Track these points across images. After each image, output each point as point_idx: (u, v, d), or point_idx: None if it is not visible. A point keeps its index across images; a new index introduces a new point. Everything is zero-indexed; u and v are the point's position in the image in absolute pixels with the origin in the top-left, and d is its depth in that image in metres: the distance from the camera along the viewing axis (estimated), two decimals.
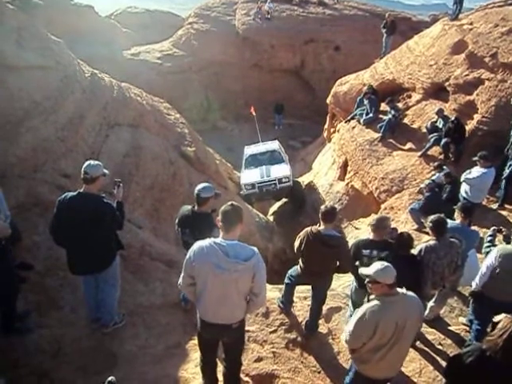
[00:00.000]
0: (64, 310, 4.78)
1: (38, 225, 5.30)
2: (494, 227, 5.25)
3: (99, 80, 8.40)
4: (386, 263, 3.32)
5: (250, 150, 15.03)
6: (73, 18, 23.20)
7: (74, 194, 4.14)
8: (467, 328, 5.23)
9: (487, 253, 4.82)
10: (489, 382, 2.99)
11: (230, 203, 3.29)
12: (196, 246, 3.24)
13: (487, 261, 4.52)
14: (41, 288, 4.84)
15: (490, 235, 5.09)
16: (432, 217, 4.68)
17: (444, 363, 4.80)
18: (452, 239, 4.62)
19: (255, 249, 3.25)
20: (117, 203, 4.41)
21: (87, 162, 4.20)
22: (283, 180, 13.15)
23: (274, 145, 15.26)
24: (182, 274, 3.33)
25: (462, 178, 7.72)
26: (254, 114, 17.25)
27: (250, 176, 13.45)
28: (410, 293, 3.44)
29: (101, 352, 4.39)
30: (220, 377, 3.85)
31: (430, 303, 5.25)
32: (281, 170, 13.54)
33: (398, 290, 3.34)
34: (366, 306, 3.36)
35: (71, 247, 4.23)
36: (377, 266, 3.32)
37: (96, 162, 4.26)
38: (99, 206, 4.15)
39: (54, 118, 6.44)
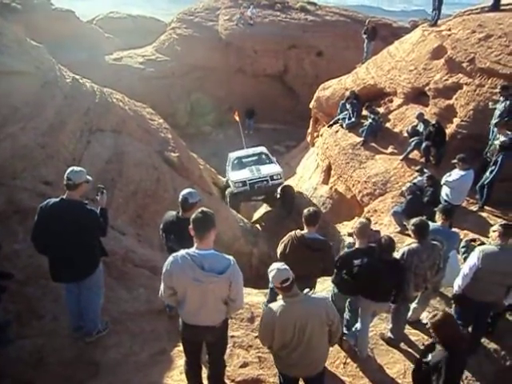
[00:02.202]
0: (45, 319, 4.69)
1: (18, 232, 5.20)
2: (466, 238, 5.38)
3: (81, 85, 8.31)
4: (280, 265, 3.35)
5: (235, 153, 14.88)
6: (53, 23, 23.00)
7: (57, 200, 4.08)
8: None
9: (465, 258, 4.90)
10: None
11: (199, 210, 3.27)
12: (170, 258, 3.24)
13: (469, 262, 4.59)
14: (21, 297, 4.74)
15: (463, 247, 5.18)
16: (414, 220, 4.75)
17: None
18: (434, 241, 4.70)
19: (231, 258, 3.25)
20: (100, 210, 4.37)
21: (70, 168, 4.16)
22: (275, 177, 13.09)
23: (261, 148, 15.26)
24: (162, 287, 3.34)
25: (443, 181, 7.86)
26: (237, 119, 17.27)
27: (240, 174, 13.29)
28: (318, 295, 3.54)
29: (84, 361, 4.33)
30: (205, 382, 3.83)
31: (413, 305, 5.32)
32: (272, 168, 13.53)
33: (304, 291, 3.38)
34: (268, 307, 3.46)
35: (53, 255, 4.16)
36: (272, 266, 3.37)
37: (79, 168, 4.22)
38: (82, 213, 4.11)
39: (33, 124, 6.34)
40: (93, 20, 31.21)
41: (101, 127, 7.99)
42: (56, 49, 15.80)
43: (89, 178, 4.25)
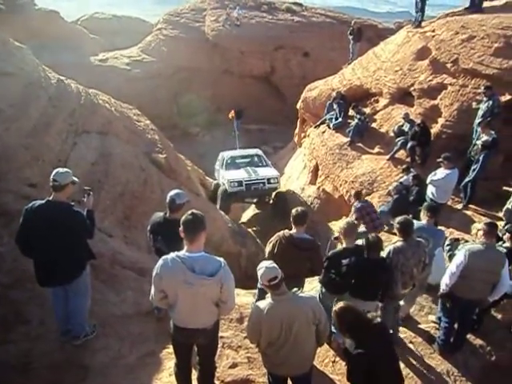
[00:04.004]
0: (32, 323, 4.61)
1: (3, 235, 5.11)
2: (451, 237, 5.46)
3: (66, 86, 8.22)
4: (269, 264, 3.38)
5: (229, 153, 14.64)
6: (37, 23, 22.77)
7: (42, 202, 4.03)
8: (436, 325, 5.38)
9: (450, 256, 4.98)
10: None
11: (190, 212, 3.25)
12: (161, 261, 3.22)
13: (456, 260, 4.67)
14: (6, 301, 4.66)
15: (448, 245, 5.27)
16: (399, 218, 4.81)
17: (415, 361, 4.93)
18: (419, 239, 4.76)
19: (222, 260, 3.25)
20: (87, 212, 4.32)
21: (56, 170, 4.12)
22: (271, 181, 12.95)
23: (256, 150, 15.14)
24: (153, 290, 3.31)
25: (428, 180, 7.96)
26: (232, 117, 17.18)
27: (236, 174, 13.07)
28: (306, 294, 3.58)
29: (72, 365, 4.27)
30: (194, 383, 3.82)
31: (401, 302, 5.37)
32: (269, 172, 13.41)
33: (293, 290, 3.43)
34: (256, 304, 3.50)
35: (39, 258, 4.10)
36: (260, 264, 3.41)
37: (65, 170, 4.18)
38: (69, 215, 4.06)
39: (17, 125, 6.25)
40: (77, 20, 30.93)
41: (87, 129, 7.90)
42: (40, 50, 15.63)
43: (75, 179, 4.21)
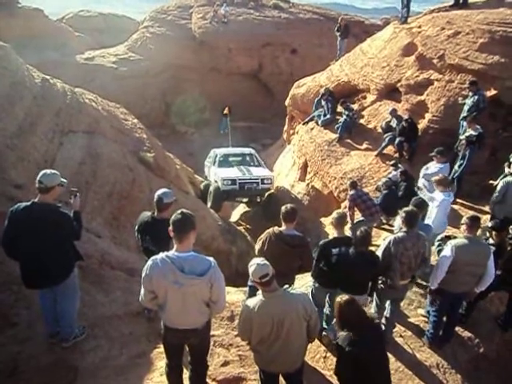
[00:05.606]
0: (19, 326, 4.55)
1: None
2: (443, 235, 5.52)
3: (51, 86, 8.12)
4: (260, 261, 3.39)
5: (222, 150, 14.47)
6: (21, 21, 22.37)
7: (28, 203, 3.97)
8: (426, 319, 5.44)
9: (439, 252, 5.03)
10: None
11: (179, 211, 3.23)
12: (150, 262, 3.21)
13: (444, 256, 4.72)
14: None
15: (438, 240, 5.31)
16: (406, 208, 4.85)
17: (405, 355, 4.97)
18: (420, 232, 4.80)
19: (212, 260, 3.25)
20: (74, 213, 4.27)
21: (43, 172, 4.04)
22: (265, 181, 12.74)
23: (250, 149, 15.04)
24: (143, 291, 3.30)
25: (421, 174, 7.97)
26: (227, 113, 17.01)
27: (229, 172, 12.89)
28: (297, 290, 3.59)
29: (61, 367, 4.22)
30: (186, 382, 3.81)
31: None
32: (263, 172, 13.28)
33: (284, 287, 3.43)
34: (247, 301, 3.51)
35: (26, 260, 4.04)
36: (252, 261, 3.41)
37: (52, 171, 4.11)
38: (55, 216, 4.00)
39: (1, 125, 6.16)
40: (62, 18, 30.55)
41: (73, 128, 7.82)
42: (24, 48, 15.40)
43: (63, 180, 4.15)
